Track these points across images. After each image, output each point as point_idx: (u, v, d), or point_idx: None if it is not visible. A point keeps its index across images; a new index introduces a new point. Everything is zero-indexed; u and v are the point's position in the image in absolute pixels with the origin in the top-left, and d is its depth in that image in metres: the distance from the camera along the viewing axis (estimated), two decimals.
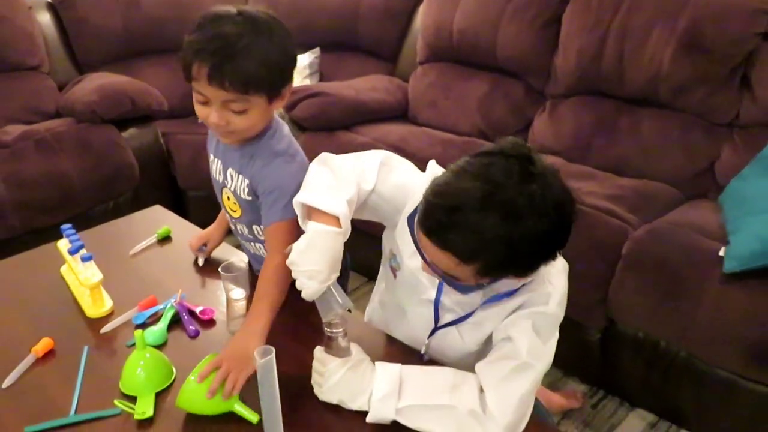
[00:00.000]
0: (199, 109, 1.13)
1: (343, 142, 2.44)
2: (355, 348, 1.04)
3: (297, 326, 1.20)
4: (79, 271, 1.28)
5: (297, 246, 1.00)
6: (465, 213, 0.86)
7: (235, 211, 1.28)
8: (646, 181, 2.08)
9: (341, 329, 1.02)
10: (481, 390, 0.98)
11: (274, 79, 1.09)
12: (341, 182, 1.08)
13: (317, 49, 3.01)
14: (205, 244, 1.47)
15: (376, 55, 3.04)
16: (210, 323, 1.25)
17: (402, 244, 1.12)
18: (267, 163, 1.17)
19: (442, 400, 0.97)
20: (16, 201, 2.20)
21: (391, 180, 1.12)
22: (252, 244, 1.34)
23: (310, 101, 2.50)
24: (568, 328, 1.82)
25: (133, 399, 1.05)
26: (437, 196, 0.89)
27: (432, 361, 1.13)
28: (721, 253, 1.61)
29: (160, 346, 1.18)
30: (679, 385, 1.72)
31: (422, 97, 2.71)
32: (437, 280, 1.06)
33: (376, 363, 1.02)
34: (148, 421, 1.01)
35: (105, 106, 2.45)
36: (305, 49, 2.98)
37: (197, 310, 1.27)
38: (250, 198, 1.22)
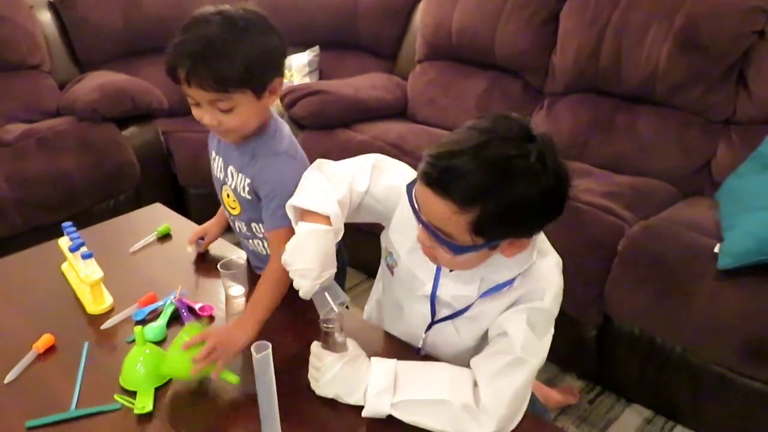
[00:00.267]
0: (193, 111, 1.15)
1: (342, 140, 2.45)
2: (351, 343, 1.05)
3: (294, 322, 1.22)
4: (80, 269, 1.29)
5: (288, 246, 1.03)
6: (463, 156, 0.87)
7: (234, 209, 1.30)
8: (642, 179, 2.09)
9: (337, 325, 1.03)
10: (476, 384, 1.00)
11: (254, 75, 1.10)
12: (333, 185, 1.10)
13: (317, 48, 3.02)
14: (202, 238, 1.48)
15: (376, 53, 3.05)
16: (209, 320, 1.27)
17: (399, 241, 1.13)
18: (268, 164, 1.18)
19: (437, 395, 0.99)
20: (17, 199, 2.22)
21: (383, 181, 1.14)
22: (250, 241, 1.35)
23: (310, 99, 2.51)
24: (564, 324, 1.84)
25: (132, 394, 1.06)
26: (439, 147, 0.91)
27: (428, 357, 1.15)
28: (716, 249, 1.63)
29: (159, 343, 1.19)
30: (675, 380, 1.74)
31: (421, 95, 2.72)
32: (433, 275, 1.07)
33: (372, 358, 1.04)
34: (148, 416, 1.03)
35: (106, 105, 2.47)
36: (305, 47, 2.99)
37: (196, 306, 1.29)
38: (249, 197, 1.23)
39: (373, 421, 1.01)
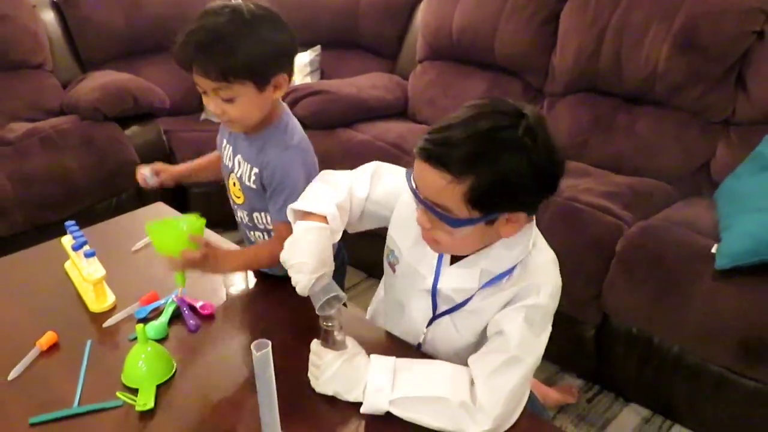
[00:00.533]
0: (203, 98, 1.20)
1: (343, 139, 2.46)
2: (350, 341, 1.06)
3: (293, 320, 1.23)
4: (83, 267, 1.31)
5: (285, 243, 1.06)
6: (456, 129, 0.92)
7: (238, 198, 1.33)
8: (641, 179, 2.10)
9: (337, 323, 1.04)
10: (473, 382, 1.01)
11: (256, 68, 1.13)
12: (333, 190, 1.14)
13: (318, 47, 3.03)
14: (157, 174, 1.46)
15: (377, 53, 3.06)
16: (210, 318, 1.27)
17: (400, 238, 1.15)
18: (278, 156, 1.22)
19: (435, 392, 1.00)
20: (20, 197, 2.23)
21: (382, 185, 1.17)
22: (252, 232, 1.38)
23: (311, 99, 2.52)
24: (563, 323, 1.84)
25: (134, 391, 1.07)
26: (435, 125, 0.96)
27: (427, 356, 1.16)
28: (714, 250, 1.64)
29: (161, 340, 1.20)
30: (672, 380, 1.75)
31: (422, 95, 2.73)
32: (434, 269, 1.09)
33: (371, 356, 1.05)
34: (149, 413, 1.04)
35: (108, 104, 2.49)
36: (306, 47, 3.00)
37: (197, 305, 1.30)
38: (254, 187, 1.26)
39: (372, 418, 1.02)
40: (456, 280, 1.07)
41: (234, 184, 1.32)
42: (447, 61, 2.73)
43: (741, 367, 1.60)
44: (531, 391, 1.57)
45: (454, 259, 1.07)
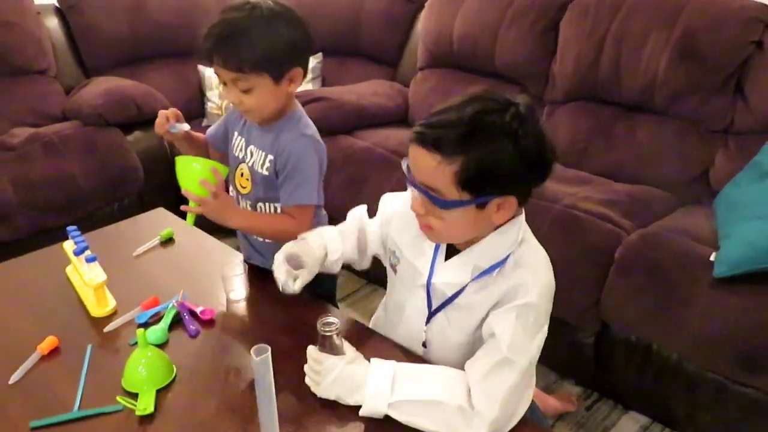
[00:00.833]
0: (222, 90, 1.29)
1: (344, 146, 2.47)
2: (347, 346, 1.07)
3: (293, 325, 1.24)
4: (84, 272, 1.32)
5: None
6: (448, 113, 0.97)
7: (244, 188, 1.38)
8: (641, 187, 2.11)
9: (335, 328, 1.05)
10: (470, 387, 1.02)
11: (271, 61, 1.21)
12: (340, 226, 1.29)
13: (320, 54, 3.05)
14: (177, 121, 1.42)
15: (378, 60, 3.08)
16: (210, 323, 1.28)
17: (400, 237, 1.18)
18: (294, 142, 1.30)
19: (433, 396, 1.00)
20: (23, 202, 2.25)
21: (386, 209, 1.27)
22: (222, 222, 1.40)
23: (312, 106, 2.53)
24: (562, 331, 1.87)
25: (134, 396, 1.08)
26: (430, 112, 1.00)
27: (428, 361, 1.16)
28: (712, 258, 1.64)
29: (161, 345, 1.21)
30: (671, 388, 1.75)
31: (422, 102, 2.74)
32: (429, 264, 1.11)
33: (371, 359, 1.06)
34: (149, 417, 1.04)
35: (111, 110, 2.50)
36: None
37: (198, 310, 1.31)
38: (267, 174, 1.32)
39: (371, 422, 1.02)
40: (449, 274, 1.09)
41: (242, 174, 1.38)
42: (448, 68, 2.74)
43: (740, 376, 1.60)
44: (533, 400, 1.58)
45: (449, 256, 1.10)
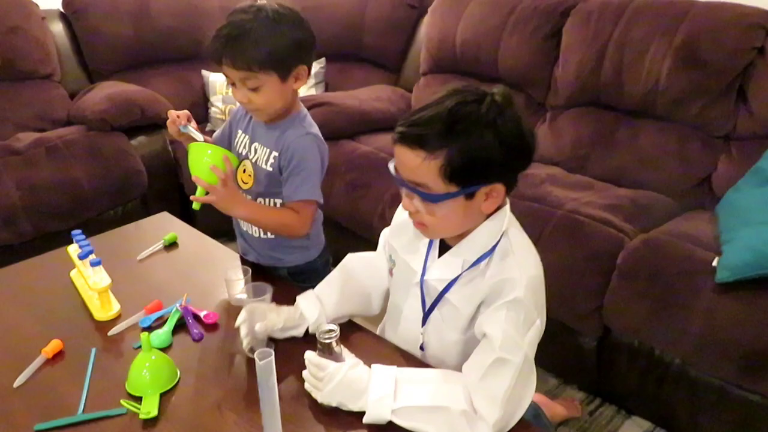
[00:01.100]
0: (231, 90, 1.33)
1: (346, 150, 2.48)
2: (347, 353, 1.08)
3: None
4: (88, 276, 1.33)
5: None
6: (427, 110, 0.99)
7: (246, 183, 1.41)
8: (643, 192, 2.11)
9: (335, 335, 1.06)
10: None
11: (279, 60, 1.26)
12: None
13: (323, 60, 3.06)
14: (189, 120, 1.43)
15: (381, 65, 3.09)
16: (213, 327, 1.29)
17: (396, 240, 1.20)
18: (299, 139, 1.34)
19: (436, 402, 1.01)
20: (28, 206, 2.26)
21: (383, 235, 1.31)
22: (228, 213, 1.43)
23: (315, 111, 2.54)
24: (564, 335, 1.87)
25: (138, 399, 1.09)
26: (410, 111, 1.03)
27: (428, 364, 1.17)
28: (714, 263, 1.64)
29: (165, 349, 1.22)
30: (674, 393, 1.75)
31: None
32: (423, 262, 1.13)
33: (372, 365, 1.06)
34: (153, 421, 1.05)
35: (115, 115, 2.52)
36: None
37: (201, 314, 1.31)
38: (271, 170, 1.36)
39: (374, 427, 1.02)
40: (441, 270, 1.11)
41: (244, 170, 1.41)
42: (450, 74, 2.75)
43: (743, 380, 1.60)
44: (539, 407, 1.58)
45: (443, 253, 1.11)
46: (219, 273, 1.36)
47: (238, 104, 1.45)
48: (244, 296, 1.27)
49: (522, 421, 1.03)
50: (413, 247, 1.16)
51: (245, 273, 1.31)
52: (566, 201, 1.99)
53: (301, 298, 1.24)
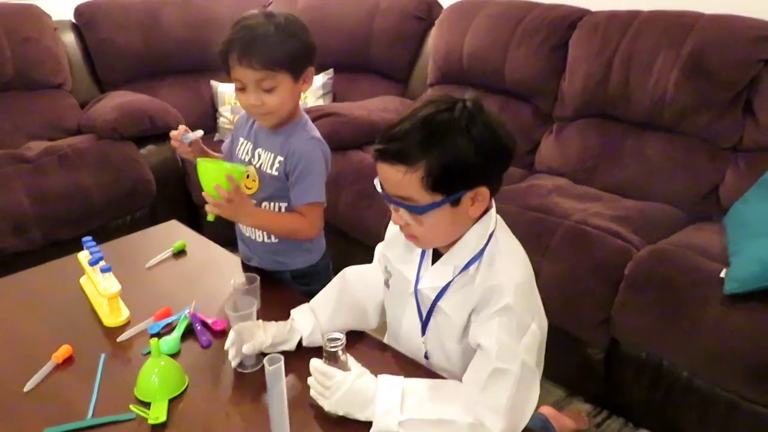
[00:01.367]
0: (239, 97, 1.35)
1: (354, 161, 2.49)
2: (353, 361, 1.08)
3: None
4: (98, 282, 1.33)
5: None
6: (401, 124, 1.01)
7: (249, 189, 1.43)
8: (650, 203, 2.11)
9: (341, 344, 1.06)
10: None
11: (293, 61, 1.31)
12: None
13: (330, 71, 3.08)
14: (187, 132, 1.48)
15: (388, 76, 3.11)
16: (222, 334, 1.29)
17: (391, 252, 1.21)
18: (304, 144, 1.38)
19: (443, 415, 1.01)
20: (38, 214, 2.27)
21: (378, 250, 1.31)
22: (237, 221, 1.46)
23: (323, 121, 2.56)
24: (572, 347, 1.87)
25: (147, 404, 1.09)
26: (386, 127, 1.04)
27: (432, 374, 1.17)
28: (722, 274, 1.64)
29: (173, 355, 1.22)
30: (682, 405, 1.74)
31: None
32: (416, 272, 1.14)
33: (378, 375, 1.06)
34: (162, 426, 1.05)
35: (125, 124, 2.54)
36: (319, 70, 3.05)
37: (210, 321, 1.32)
38: (276, 174, 1.39)
39: None
40: (433, 278, 1.12)
41: (248, 175, 1.43)
42: (457, 85, 2.76)
43: (751, 393, 1.59)
44: (548, 420, 1.57)
45: (435, 261, 1.12)
46: (227, 280, 1.37)
47: (241, 113, 1.49)
48: (252, 302, 1.28)
49: None
50: (407, 256, 1.17)
51: (253, 281, 1.31)
52: (573, 212, 1.99)
53: (295, 312, 1.25)
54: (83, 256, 1.45)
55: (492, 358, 1.00)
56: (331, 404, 1.04)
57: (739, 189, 1.98)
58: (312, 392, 1.07)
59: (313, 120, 2.54)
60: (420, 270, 1.15)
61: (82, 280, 1.48)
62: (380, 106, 2.78)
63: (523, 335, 1.02)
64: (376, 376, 1.07)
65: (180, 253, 1.62)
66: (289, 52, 1.30)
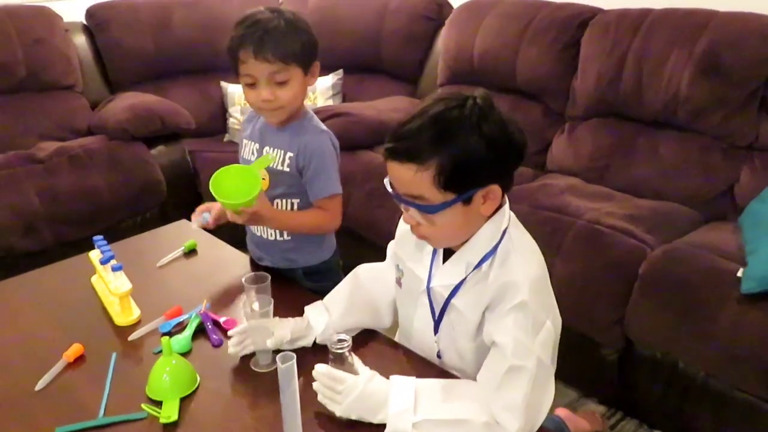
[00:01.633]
0: (248, 94, 1.35)
1: (364, 161, 2.49)
2: (359, 363, 1.07)
3: None
4: (110, 281, 1.33)
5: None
6: (412, 122, 0.99)
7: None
8: (664, 202, 2.09)
9: (347, 345, 1.05)
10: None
11: (305, 54, 1.33)
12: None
13: (340, 71, 3.08)
14: (208, 212, 1.50)
15: (398, 77, 3.10)
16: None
17: (402, 251, 1.20)
18: (315, 137, 1.39)
19: (458, 415, 0.99)
20: (48, 214, 2.28)
21: (390, 248, 1.31)
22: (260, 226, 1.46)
23: (333, 121, 2.55)
24: (585, 347, 1.85)
25: (159, 403, 1.08)
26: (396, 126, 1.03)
27: (445, 374, 1.15)
28: (739, 274, 1.61)
29: (184, 354, 1.22)
30: (698, 406, 1.71)
31: None
32: (428, 270, 1.12)
33: (391, 377, 1.05)
34: (173, 425, 1.05)
35: (135, 125, 2.54)
36: (329, 70, 3.05)
37: (221, 320, 1.31)
38: (288, 170, 1.39)
39: None
40: (445, 276, 1.10)
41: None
42: (468, 85, 2.75)
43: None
44: (564, 422, 1.55)
45: (446, 259, 1.11)
46: (238, 280, 1.36)
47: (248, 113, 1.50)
48: (264, 301, 1.27)
49: None
50: (418, 255, 1.16)
51: (263, 280, 1.30)
52: (586, 211, 1.97)
53: (309, 309, 1.24)
54: (94, 255, 1.44)
55: (507, 356, 0.99)
56: (343, 409, 1.02)
57: (755, 188, 1.95)
58: (320, 398, 1.04)
59: (323, 120, 2.55)
60: (431, 268, 1.13)
61: (93, 279, 1.48)
62: (390, 107, 2.77)
63: (538, 332, 1.01)
64: (387, 375, 1.05)
65: (191, 252, 1.62)
66: (302, 44, 1.32)
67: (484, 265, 1.05)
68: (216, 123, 3.06)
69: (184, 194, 2.70)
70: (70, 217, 2.33)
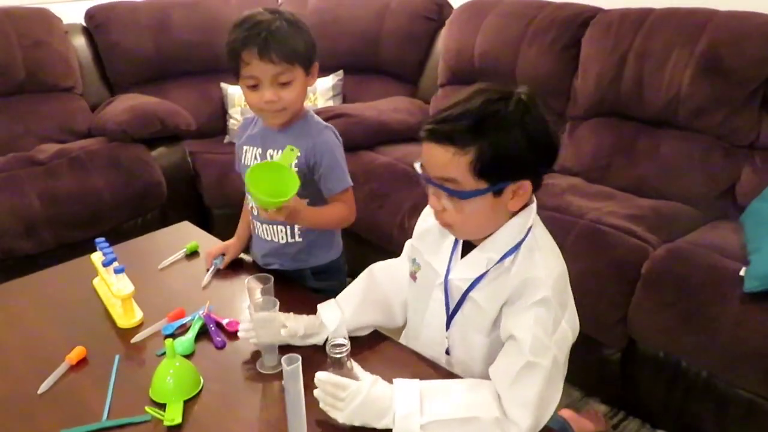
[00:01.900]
0: (250, 96, 1.34)
1: (365, 161, 2.48)
2: (358, 368, 1.06)
3: None
4: (112, 283, 1.33)
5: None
6: (455, 107, 1.01)
7: None
8: (666, 202, 2.09)
9: (346, 350, 1.04)
10: (500, 396, 1.00)
11: (307, 55, 1.33)
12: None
13: (340, 72, 3.07)
14: (223, 254, 1.55)
15: (398, 77, 3.10)
16: (236, 335, 1.28)
17: (421, 243, 1.20)
18: (320, 134, 1.40)
19: (466, 413, 0.99)
20: (49, 216, 2.28)
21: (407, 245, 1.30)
22: (263, 226, 1.45)
23: (334, 122, 2.51)
24: (588, 347, 1.84)
25: (162, 406, 1.08)
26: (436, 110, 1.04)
27: (451, 375, 1.15)
28: (742, 272, 1.61)
29: (188, 356, 1.21)
30: (701, 405, 1.71)
31: None
32: (447, 263, 1.12)
33: (394, 380, 1.04)
34: (177, 428, 1.04)
35: (135, 126, 2.54)
36: (329, 71, 3.05)
37: (224, 322, 1.31)
38: (295, 169, 1.35)
39: None
40: (465, 269, 1.10)
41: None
42: (468, 85, 2.72)
43: None
44: (568, 423, 1.55)
45: (465, 254, 1.11)
46: (241, 281, 1.36)
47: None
48: (268, 302, 1.27)
49: None
50: (437, 248, 1.16)
51: (267, 281, 1.30)
52: (588, 210, 1.97)
53: (322, 306, 1.23)
54: (96, 257, 1.44)
55: (525, 352, 0.98)
56: (346, 416, 1.01)
57: (757, 186, 1.95)
58: (322, 404, 1.03)
59: (324, 120, 2.56)
60: (451, 262, 1.13)
61: (95, 282, 1.47)
62: (391, 107, 2.77)
63: (556, 330, 1.00)
64: (391, 379, 1.05)
65: (193, 254, 1.61)
66: (304, 46, 1.32)
67: (507, 260, 1.05)
68: (216, 124, 3.05)
69: (184, 195, 2.70)
70: (70, 219, 2.32)
